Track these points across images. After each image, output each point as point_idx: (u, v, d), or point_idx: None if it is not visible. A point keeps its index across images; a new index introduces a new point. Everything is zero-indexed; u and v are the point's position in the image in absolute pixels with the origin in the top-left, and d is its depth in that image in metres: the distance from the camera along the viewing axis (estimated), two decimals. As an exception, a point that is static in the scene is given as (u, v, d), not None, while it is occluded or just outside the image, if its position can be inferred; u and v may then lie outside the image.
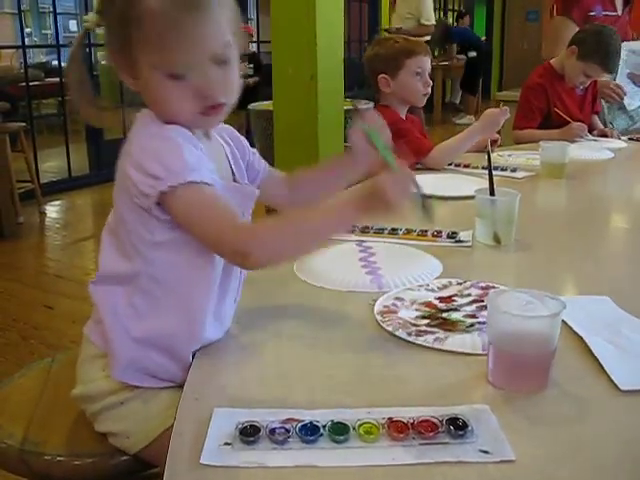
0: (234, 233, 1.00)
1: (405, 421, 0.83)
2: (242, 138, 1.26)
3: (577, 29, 3.27)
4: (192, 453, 0.80)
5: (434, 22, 7.34)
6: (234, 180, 1.18)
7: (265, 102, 4.37)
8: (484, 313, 1.14)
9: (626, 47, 3.36)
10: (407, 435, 0.81)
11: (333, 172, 1.32)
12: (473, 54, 9.78)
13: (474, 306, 1.19)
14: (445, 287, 1.28)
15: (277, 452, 0.80)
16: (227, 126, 1.23)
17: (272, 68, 3.39)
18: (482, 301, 1.20)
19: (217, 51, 1.03)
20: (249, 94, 5.05)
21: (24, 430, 1.19)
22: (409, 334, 1.09)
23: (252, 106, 4.50)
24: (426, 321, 1.14)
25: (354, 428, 0.82)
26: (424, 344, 1.06)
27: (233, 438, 0.82)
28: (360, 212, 1.04)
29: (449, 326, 1.12)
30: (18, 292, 3.76)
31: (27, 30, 7.51)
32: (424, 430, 0.81)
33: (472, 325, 1.12)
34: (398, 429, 0.82)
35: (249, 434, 0.82)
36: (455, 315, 1.16)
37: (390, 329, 1.11)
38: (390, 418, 0.84)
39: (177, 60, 1.01)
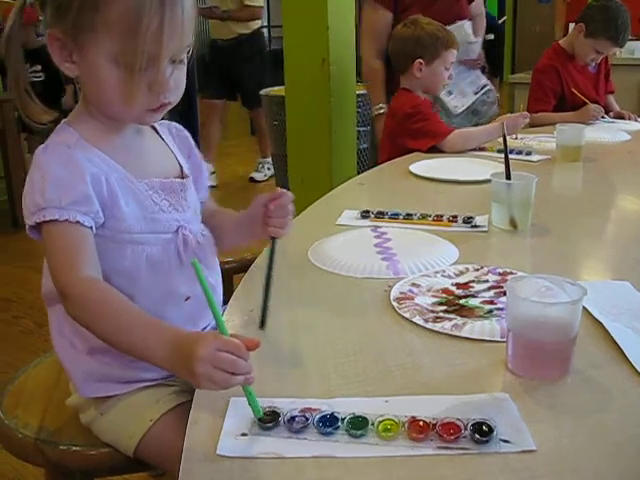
0: (65, 274, 0.98)
1: (428, 421, 0.80)
2: (190, 142, 1.25)
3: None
4: (208, 444, 0.79)
5: (261, 4, 5.61)
6: (182, 174, 1.18)
7: (276, 87, 4.34)
8: (502, 299, 1.12)
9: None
10: (426, 436, 0.78)
11: (236, 223, 1.28)
12: (490, 37, 9.70)
13: (492, 292, 1.17)
14: (462, 273, 1.26)
15: (293, 442, 0.79)
16: (175, 123, 1.23)
17: (283, 53, 3.36)
18: (500, 287, 1.18)
19: (179, 49, 1.02)
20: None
21: (39, 420, 1.19)
22: (426, 321, 1.08)
23: (264, 92, 4.48)
24: (443, 307, 1.13)
25: (373, 424, 0.80)
26: (442, 331, 1.05)
27: (250, 425, 0.81)
28: (174, 370, 0.89)
29: (467, 312, 1.10)
30: (33, 280, 3.74)
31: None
32: (446, 433, 0.78)
33: (490, 311, 1.10)
34: (418, 429, 0.79)
35: (268, 420, 0.81)
36: (473, 301, 1.14)
37: (407, 316, 1.10)
38: (413, 417, 0.81)
39: (140, 52, 0.96)
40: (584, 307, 0.98)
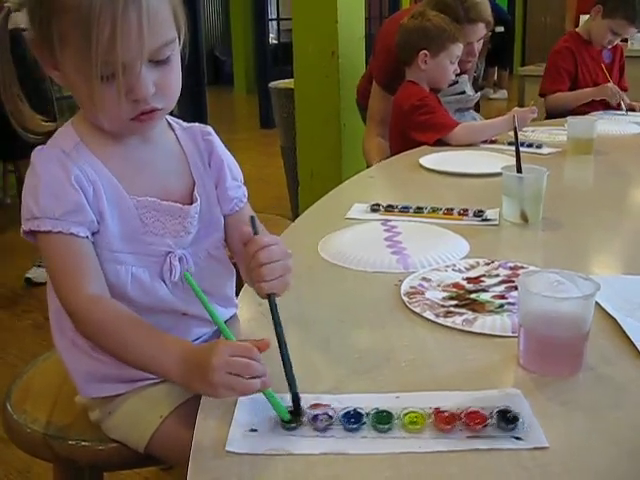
0: (72, 295, 0.96)
1: (453, 411, 0.80)
2: (211, 147, 1.13)
3: None
4: (217, 440, 0.78)
5: None
6: (190, 197, 1.08)
7: (285, 80, 4.33)
8: (514, 294, 1.11)
9: None
10: (454, 427, 0.78)
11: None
12: (501, 29, 9.65)
13: (503, 287, 1.16)
14: (473, 267, 1.25)
15: (303, 438, 0.78)
16: (204, 126, 1.15)
17: (293, 45, 3.36)
18: (511, 282, 1.17)
19: (151, 51, 0.92)
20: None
21: (48, 415, 1.19)
22: (437, 315, 1.07)
23: (273, 84, 4.47)
24: (454, 302, 1.12)
25: (399, 417, 0.79)
26: (452, 326, 1.04)
27: (266, 422, 0.80)
28: (185, 384, 0.89)
29: (478, 307, 1.09)
30: (42, 274, 3.78)
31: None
32: (472, 422, 0.78)
33: (501, 306, 1.09)
34: (445, 420, 0.79)
35: (292, 421, 0.80)
36: (484, 296, 1.13)
37: (418, 310, 1.09)
38: (437, 408, 0.80)
39: (104, 59, 0.89)
40: (597, 302, 0.97)
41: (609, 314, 1.05)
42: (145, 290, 1.04)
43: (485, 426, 0.78)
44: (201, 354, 0.83)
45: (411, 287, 1.17)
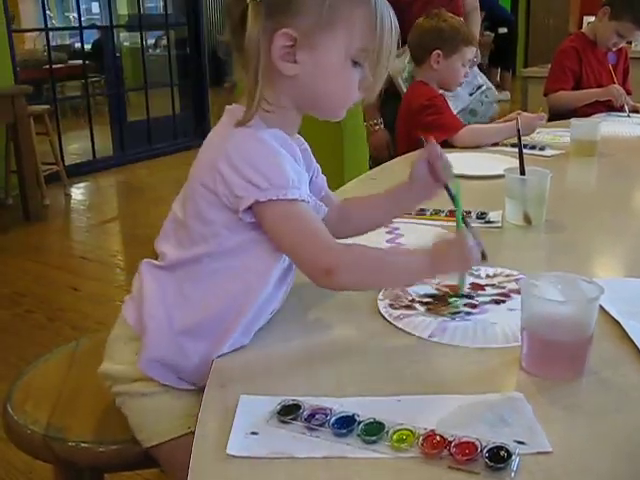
0: (327, 252, 0.99)
1: (445, 437, 0.76)
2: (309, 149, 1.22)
3: None
4: (218, 443, 0.78)
5: None
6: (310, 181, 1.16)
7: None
8: (488, 306, 1.12)
9: None
10: (438, 453, 0.74)
11: (390, 198, 1.27)
12: (504, 30, 9.64)
13: (489, 299, 1.14)
14: (488, 277, 1.23)
15: (305, 439, 0.78)
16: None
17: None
18: (507, 296, 1.15)
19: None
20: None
21: (48, 416, 1.18)
22: (394, 308, 1.10)
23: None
24: (428, 299, 1.14)
25: (388, 432, 0.77)
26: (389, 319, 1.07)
27: (264, 421, 0.80)
28: (435, 271, 1.05)
29: (436, 308, 1.11)
30: (44, 274, 3.78)
31: (49, 13, 7.51)
32: (460, 453, 0.74)
33: (458, 312, 1.10)
34: (433, 445, 0.75)
35: (287, 413, 0.81)
36: (460, 301, 1.13)
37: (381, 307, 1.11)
38: (433, 431, 0.77)
39: (366, 44, 1.01)
40: (600, 305, 0.97)
41: (612, 317, 1.04)
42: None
43: (470, 459, 0.73)
44: (441, 245, 1.04)
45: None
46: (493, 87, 2.91)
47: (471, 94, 2.83)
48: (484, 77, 2.93)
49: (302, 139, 1.18)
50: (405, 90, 2.71)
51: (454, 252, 1.04)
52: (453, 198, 1.15)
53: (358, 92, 1.06)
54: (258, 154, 0.98)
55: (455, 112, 2.70)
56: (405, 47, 2.59)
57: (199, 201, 1.01)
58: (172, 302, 1.04)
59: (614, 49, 3.14)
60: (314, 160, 1.21)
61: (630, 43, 4.74)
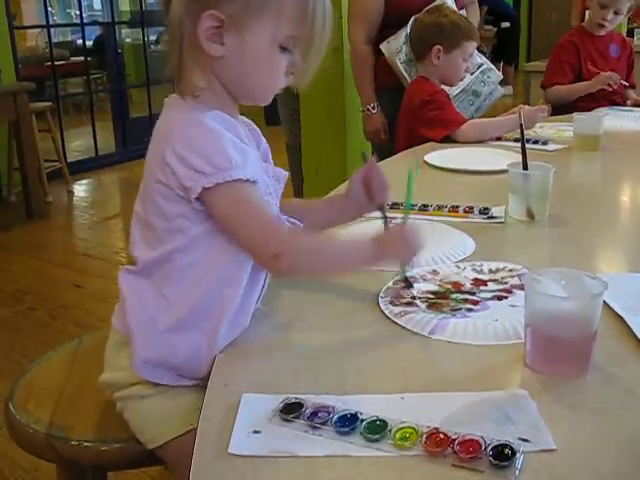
0: (272, 235, 0.99)
1: (449, 435, 0.76)
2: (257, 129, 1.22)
3: None
4: (220, 441, 0.77)
5: None
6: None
7: (290, 77, 4.33)
8: (490, 303, 1.11)
9: None
10: (442, 451, 0.74)
11: (327, 207, 1.29)
12: (506, 24, 9.62)
13: (490, 295, 1.13)
14: (492, 272, 1.22)
15: (308, 437, 0.77)
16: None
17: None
18: (509, 292, 1.15)
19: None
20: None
21: (51, 415, 1.18)
22: (393, 304, 1.10)
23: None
24: (430, 295, 1.13)
25: (390, 430, 0.77)
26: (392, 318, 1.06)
27: (267, 419, 0.80)
28: (380, 257, 1.08)
29: (438, 305, 1.10)
30: (47, 271, 3.78)
31: (51, 10, 7.50)
32: (464, 451, 0.73)
33: (459, 309, 1.09)
34: (436, 443, 0.75)
35: (290, 411, 0.80)
36: (462, 297, 1.13)
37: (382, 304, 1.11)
38: (436, 428, 0.77)
39: (295, 32, 1.02)
40: (604, 301, 0.96)
41: (617, 313, 1.04)
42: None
43: (474, 457, 0.73)
44: (386, 236, 1.10)
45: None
46: (494, 68, 2.89)
47: (471, 73, 2.81)
48: (483, 57, 2.90)
49: (248, 120, 1.18)
50: (404, 72, 2.69)
51: (397, 240, 1.08)
52: (386, 220, 1.18)
53: (285, 78, 1.06)
54: (200, 139, 0.99)
55: (456, 92, 2.70)
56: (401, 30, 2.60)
57: (156, 198, 1.02)
58: (153, 305, 1.04)
59: (608, 26, 3.11)
60: (264, 139, 1.20)
61: (632, 36, 4.73)
